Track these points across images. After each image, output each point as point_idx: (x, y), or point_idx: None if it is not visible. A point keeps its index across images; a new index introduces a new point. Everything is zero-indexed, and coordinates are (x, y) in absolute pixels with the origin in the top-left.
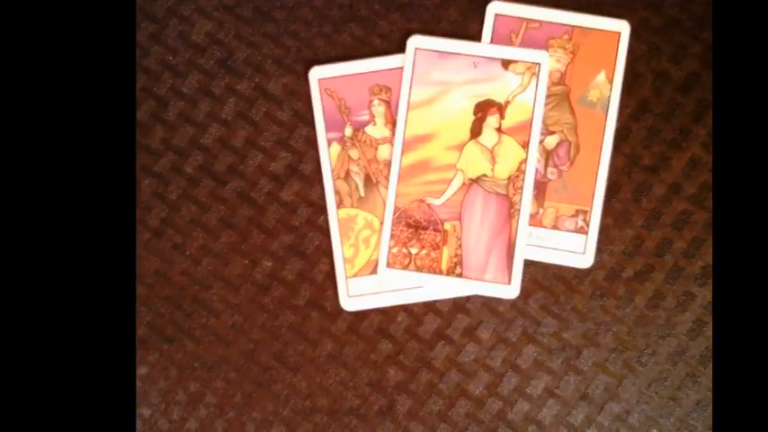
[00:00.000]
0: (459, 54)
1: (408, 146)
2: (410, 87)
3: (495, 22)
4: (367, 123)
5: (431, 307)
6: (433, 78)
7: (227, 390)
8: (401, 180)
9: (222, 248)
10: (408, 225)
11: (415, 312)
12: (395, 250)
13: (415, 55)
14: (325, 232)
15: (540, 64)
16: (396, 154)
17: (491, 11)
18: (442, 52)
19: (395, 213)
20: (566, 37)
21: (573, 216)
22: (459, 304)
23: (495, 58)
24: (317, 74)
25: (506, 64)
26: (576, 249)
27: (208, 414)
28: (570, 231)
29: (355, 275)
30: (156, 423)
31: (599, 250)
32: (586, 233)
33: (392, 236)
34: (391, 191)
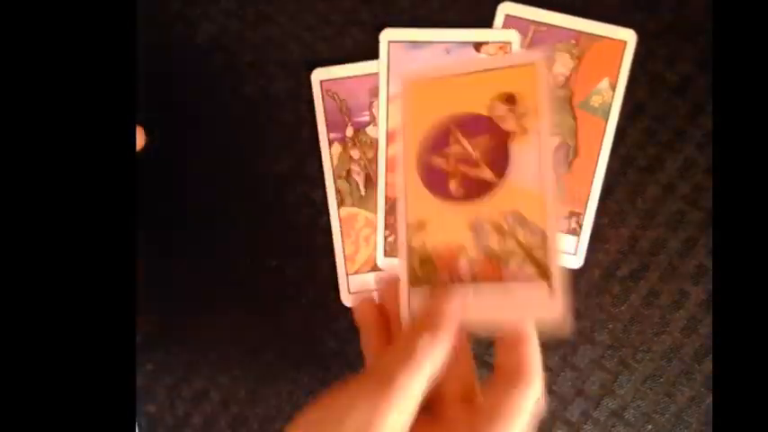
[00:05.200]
0: (431, 42)
1: (392, 137)
2: (387, 80)
3: (504, 24)
4: (367, 124)
5: None
6: (408, 69)
7: (231, 386)
8: (388, 170)
9: (228, 248)
10: None
11: None
12: (391, 239)
13: (389, 48)
14: (328, 231)
15: (510, 43)
16: (381, 146)
17: (501, 11)
18: (415, 42)
19: (387, 203)
20: (572, 42)
21: (567, 218)
22: None
23: (466, 42)
24: (319, 76)
25: (478, 47)
26: (567, 250)
27: (212, 410)
28: (563, 233)
29: (356, 272)
30: (161, 419)
31: (595, 249)
32: (579, 235)
33: (387, 225)
34: (380, 182)
